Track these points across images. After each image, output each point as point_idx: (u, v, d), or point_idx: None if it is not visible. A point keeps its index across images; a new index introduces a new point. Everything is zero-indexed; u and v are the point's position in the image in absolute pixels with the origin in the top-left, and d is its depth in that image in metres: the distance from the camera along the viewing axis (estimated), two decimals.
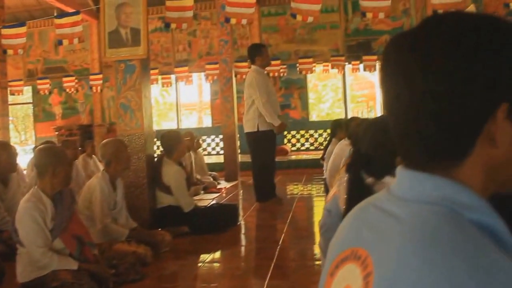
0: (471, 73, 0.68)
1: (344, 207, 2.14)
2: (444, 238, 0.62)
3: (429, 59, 0.70)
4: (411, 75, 0.71)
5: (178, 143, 4.88)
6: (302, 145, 13.34)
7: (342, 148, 4.85)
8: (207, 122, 14.67)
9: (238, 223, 5.05)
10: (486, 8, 8.31)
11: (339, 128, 5.88)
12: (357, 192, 2.06)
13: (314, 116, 14.37)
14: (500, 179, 0.73)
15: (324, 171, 5.77)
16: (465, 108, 0.68)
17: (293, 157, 11.74)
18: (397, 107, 0.74)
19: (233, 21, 5.86)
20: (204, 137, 13.59)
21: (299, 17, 5.70)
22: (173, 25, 6.17)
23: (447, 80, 0.68)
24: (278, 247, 4.12)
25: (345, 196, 2.08)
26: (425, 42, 0.71)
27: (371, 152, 2.18)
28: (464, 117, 0.69)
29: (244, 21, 5.97)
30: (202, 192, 7.24)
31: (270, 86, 6.14)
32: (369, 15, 5.68)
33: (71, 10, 9.56)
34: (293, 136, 13.33)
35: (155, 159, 5.03)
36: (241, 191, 7.65)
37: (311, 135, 13.30)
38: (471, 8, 9.08)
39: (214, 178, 8.27)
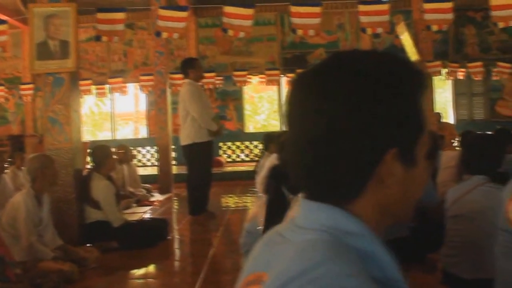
0: (362, 121, 0.72)
1: (262, 227, 2.18)
2: (319, 256, 0.68)
3: (323, 103, 0.73)
4: (307, 117, 0.74)
5: (107, 157, 4.82)
6: (238, 156, 13.41)
7: (272, 162, 4.93)
8: (144, 132, 14.47)
9: (169, 237, 5.03)
10: (415, 25, 8.74)
11: (271, 141, 5.97)
12: (276, 210, 2.11)
13: (250, 128, 14.46)
14: (392, 214, 0.79)
15: (256, 185, 5.85)
16: (356, 154, 0.73)
17: (229, 168, 11.78)
18: (294, 148, 0.78)
19: (164, 35, 5.86)
20: (139, 148, 13.42)
21: (230, 32, 5.79)
22: (104, 38, 6.10)
23: (339, 126, 0.72)
24: (209, 261, 4.14)
25: (262, 218, 2.12)
26: (322, 86, 0.74)
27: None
28: (356, 161, 0.73)
29: (175, 35, 5.99)
30: (134, 205, 7.13)
31: (204, 99, 6.19)
32: (300, 32, 5.84)
33: (2, 17, 9.25)
34: (229, 148, 13.39)
35: (85, 174, 4.95)
36: (175, 204, 7.62)
37: (247, 147, 13.40)
38: (401, 26, 9.50)
39: (148, 191, 8.18)
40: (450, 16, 6.27)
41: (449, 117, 13.79)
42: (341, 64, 0.77)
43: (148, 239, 4.67)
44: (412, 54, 8.91)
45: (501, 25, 6.26)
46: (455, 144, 11.54)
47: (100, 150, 4.90)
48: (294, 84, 0.79)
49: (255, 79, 12.63)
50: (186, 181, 6.26)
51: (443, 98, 14.30)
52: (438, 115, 11.16)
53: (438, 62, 8.96)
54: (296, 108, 0.77)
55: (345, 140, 0.72)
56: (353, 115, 0.72)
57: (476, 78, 10.74)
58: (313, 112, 0.74)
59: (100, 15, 6.06)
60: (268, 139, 6.10)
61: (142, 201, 7.41)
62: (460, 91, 13.89)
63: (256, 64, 13.23)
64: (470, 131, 6.18)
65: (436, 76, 9.05)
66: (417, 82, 0.78)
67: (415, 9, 8.87)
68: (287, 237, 0.77)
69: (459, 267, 2.79)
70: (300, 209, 0.79)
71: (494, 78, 11.84)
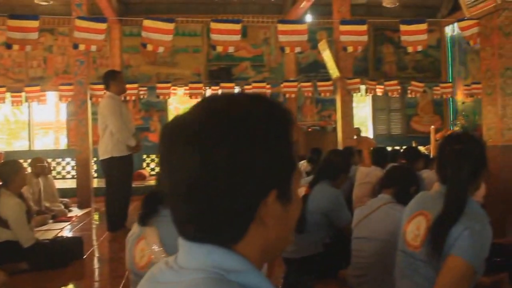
0: (240, 167, 0.74)
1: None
2: None
3: (200, 150, 0.74)
4: (185, 164, 0.75)
5: (16, 173, 4.57)
6: None
7: None
8: (64, 143, 13.95)
9: (84, 257, 4.88)
10: (335, 44, 9.00)
11: None
12: None
13: None
14: (273, 249, 0.82)
15: None
16: (237, 199, 0.75)
17: (152, 182, 11.59)
18: (174, 195, 0.78)
19: (81, 47, 5.69)
20: (59, 160, 12.95)
21: (149, 47, 5.73)
22: (15, 47, 5.82)
23: (217, 173, 0.73)
24: (123, 281, 4.05)
25: None
26: (197, 134, 0.75)
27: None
28: (237, 206, 0.75)
29: (93, 48, 5.83)
30: (50, 221, 6.84)
31: (125, 113, 6.06)
32: (219, 48, 5.88)
33: None
34: (152, 160, 13.19)
35: None
36: (95, 219, 7.40)
37: None
38: (324, 43, 9.76)
39: (66, 206, 7.88)
40: (364, 38, 6.53)
41: (369, 132, 14.35)
42: (213, 110, 0.78)
43: (61, 259, 4.50)
44: (333, 71, 9.18)
45: (409, 49, 6.61)
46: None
47: (8, 166, 4.65)
48: (168, 133, 0.80)
49: (180, 90, 12.53)
50: (105, 196, 6.11)
51: (363, 113, 14.82)
52: (358, 130, 11.58)
53: (357, 80, 9.27)
54: (173, 156, 0.77)
55: (224, 186, 0.74)
56: (230, 161, 0.73)
57: (393, 96, 11.25)
58: (190, 159, 0.74)
59: (11, 22, 5.74)
60: None
61: (59, 217, 7.12)
62: (379, 107, 14.50)
63: (181, 75, 13.16)
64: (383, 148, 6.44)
65: (355, 92, 9.35)
66: (286, 121, 0.81)
67: (336, 28, 9.15)
68: (171, 278, 0.78)
69: (365, 287, 2.89)
70: (183, 250, 0.80)
71: (410, 95, 12.45)
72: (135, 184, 6.92)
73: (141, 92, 11.79)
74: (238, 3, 13.55)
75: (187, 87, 12.06)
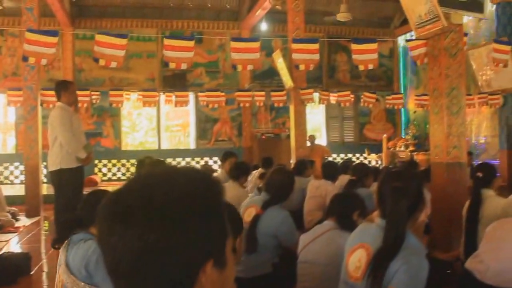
0: (177, 242, 0.78)
1: None
2: None
3: (136, 231, 0.77)
4: (123, 244, 0.78)
5: None
6: (114, 174, 13.06)
7: None
8: (12, 145, 13.53)
9: (32, 273, 4.77)
10: (289, 54, 9.09)
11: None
12: None
13: (127, 145, 14.15)
14: None
15: None
16: (178, 271, 0.79)
17: (103, 187, 11.38)
18: (115, 271, 0.81)
19: (31, 60, 5.57)
20: (6, 164, 12.58)
21: (101, 62, 5.66)
22: None
23: (156, 248, 0.77)
24: None
25: None
26: (133, 215, 0.78)
27: None
28: (178, 278, 0.79)
29: (44, 61, 5.71)
30: None
31: (75, 124, 5.96)
32: (172, 65, 5.88)
33: None
34: (104, 165, 13.00)
35: None
36: (44, 229, 7.23)
37: (123, 165, 13.09)
38: (278, 53, 9.84)
39: (13, 215, 7.66)
40: (316, 56, 6.65)
41: (322, 139, 14.56)
42: (149, 190, 0.81)
43: (8, 275, 4.39)
44: (287, 80, 9.28)
45: (361, 67, 6.78)
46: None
47: None
48: (106, 212, 0.82)
49: (134, 95, 12.37)
50: (54, 207, 6.00)
51: (317, 120, 15.03)
52: (312, 137, 11.74)
53: (310, 90, 9.40)
54: (112, 235, 0.80)
55: (164, 262, 0.78)
56: (168, 240, 0.77)
57: (344, 105, 11.44)
58: (129, 239, 0.77)
59: None
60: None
61: (5, 228, 6.92)
62: (332, 115, 14.75)
63: (135, 80, 13.03)
64: (332, 162, 6.56)
65: (309, 103, 9.47)
66: (217, 195, 0.86)
67: (290, 40, 9.27)
68: None
69: None
70: None
71: (363, 105, 12.71)
72: (86, 190, 6.78)
73: (94, 97, 11.53)
74: (193, 9, 13.52)
75: (140, 93, 11.90)
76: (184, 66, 5.92)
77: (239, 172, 5.70)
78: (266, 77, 13.42)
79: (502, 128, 10.34)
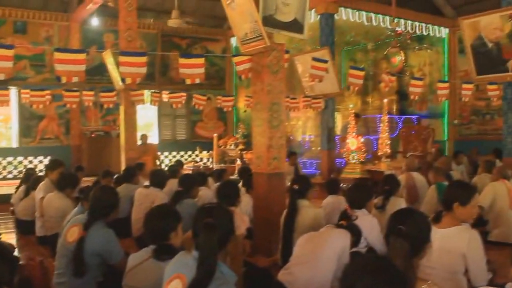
0: None
1: None
2: None
3: None
4: None
5: None
6: None
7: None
8: None
9: None
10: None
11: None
12: None
13: None
14: None
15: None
16: None
17: None
18: None
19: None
20: None
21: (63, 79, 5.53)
22: None
23: None
24: None
25: None
26: None
27: None
28: None
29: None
30: None
31: None
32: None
33: None
34: None
35: None
36: None
37: None
38: (108, 52, 9.51)
39: None
40: (143, 70, 6.63)
41: (154, 138, 14.44)
42: None
43: None
44: (115, 79, 9.02)
45: (188, 81, 6.88)
46: (159, 164, 12.18)
47: None
48: None
49: None
50: None
51: (148, 118, 14.89)
52: (144, 137, 11.55)
53: (141, 91, 9.27)
54: None
55: None
56: None
57: (176, 107, 11.40)
58: None
59: None
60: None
61: None
62: (164, 113, 14.71)
63: None
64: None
65: (139, 104, 9.35)
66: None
67: (121, 37, 9.07)
68: None
69: None
70: None
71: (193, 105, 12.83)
72: None
73: None
74: None
75: None
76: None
77: (67, 183, 5.52)
78: (97, 73, 12.79)
79: (323, 130, 11.26)
